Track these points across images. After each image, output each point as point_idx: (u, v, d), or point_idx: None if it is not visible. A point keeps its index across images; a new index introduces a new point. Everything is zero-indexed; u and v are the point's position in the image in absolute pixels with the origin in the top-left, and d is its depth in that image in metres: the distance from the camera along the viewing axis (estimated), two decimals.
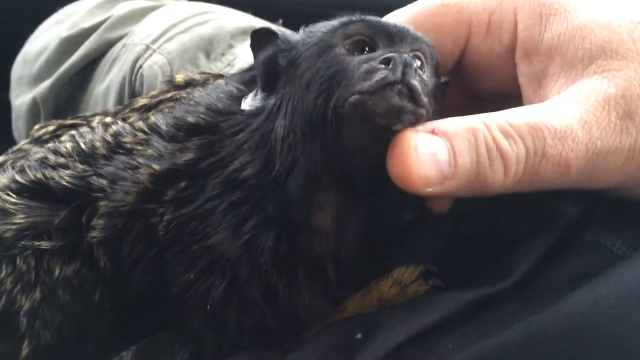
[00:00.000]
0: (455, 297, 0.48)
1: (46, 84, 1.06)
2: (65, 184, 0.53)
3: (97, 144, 0.56)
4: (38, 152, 0.59)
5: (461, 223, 0.56)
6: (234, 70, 0.90)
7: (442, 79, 0.53)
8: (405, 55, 0.44)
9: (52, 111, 1.07)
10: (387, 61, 0.43)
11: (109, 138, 0.55)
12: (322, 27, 0.49)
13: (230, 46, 0.95)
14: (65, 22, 1.15)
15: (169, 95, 0.58)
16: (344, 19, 0.49)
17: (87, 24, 1.08)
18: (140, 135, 0.54)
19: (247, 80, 0.53)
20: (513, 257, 0.50)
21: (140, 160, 0.51)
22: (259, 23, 1.05)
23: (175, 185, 0.49)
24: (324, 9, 1.50)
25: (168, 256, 0.50)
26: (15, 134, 1.22)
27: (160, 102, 0.58)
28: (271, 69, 0.49)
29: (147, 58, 0.93)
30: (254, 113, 0.49)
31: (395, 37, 0.47)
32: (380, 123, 0.42)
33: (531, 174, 0.44)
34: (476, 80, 0.56)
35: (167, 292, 0.50)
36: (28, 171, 0.56)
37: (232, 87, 0.53)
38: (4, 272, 0.53)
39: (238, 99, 0.51)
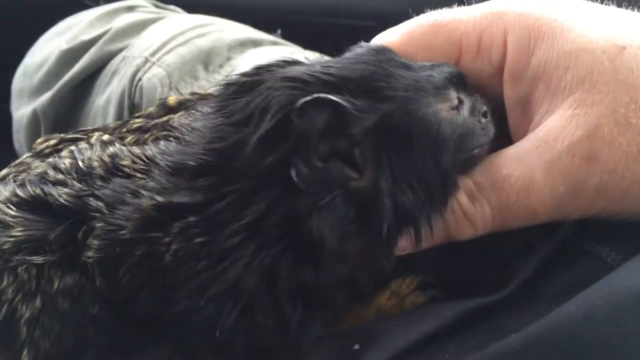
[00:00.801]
0: (453, 308, 0.49)
1: (46, 96, 1.07)
2: (62, 201, 0.54)
3: (95, 163, 0.55)
4: (39, 166, 0.59)
5: None
6: None
7: None
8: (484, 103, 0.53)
9: (53, 123, 1.07)
10: (485, 114, 0.52)
11: (107, 159, 0.55)
12: (405, 85, 0.48)
13: (229, 58, 0.96)
14: (65, 35, 1.15)
15: (164, 118, 0.57)
16: (436, 81, 0.50)
17: (87, 36, 1.08)
18: (139, 162, 0.53)
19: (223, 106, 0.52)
20: (511, 267, 0.50)
21: (143, 191, 0.50)
22: (258, 35, 1.06)
23: (184, 220, 0.48)
24: (322, 18, 1.51)
25: (172, 279, 0.49)
26: (16, 145, 1.22)
27: (154, 126, 0.57)
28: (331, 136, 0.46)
29: (146, 71, 0.94)
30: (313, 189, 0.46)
31: (465, 82, 0.53)
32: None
33: (501, 224, 0.48)
34: None
35: (168, 311, 0.50)
36: (28, 186, 0.56)
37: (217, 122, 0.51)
38: (5, 282, 0.54)
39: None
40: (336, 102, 0.44)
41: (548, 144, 0.46)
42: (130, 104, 0.93)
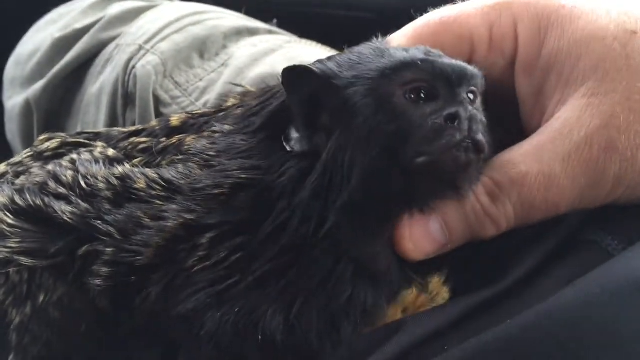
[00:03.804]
0: (458, 304, 0.50)
1: (39, 85, 1.05)
2: (67, 219, 0.52)
3: (101, 185, 0.53)
4: (38, 174, 0.57)
5: None
6: (228, 70, 0.90)
7: None
8: (470, 108, 0.45)
9: (46, 113, 1.06)
10: (452, 118, 0.44)
11: (115, 181, 0.53)
12: (371, 67, 0.47)
13: (224, 46, 0.95)
14: (58, 23, 1.14)
15: (173, 140, 0.55)
16: (397, 61, 0.47)
17: (80, 24, 1.07)
18: (157, 187, 0.51)
19: (241, 122, 0.52)
20: (516, 257, 0.51)
21: (166, 214, 0.49)
22: (253, 23, 1.05)
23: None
24: (319, 9, 1.51)
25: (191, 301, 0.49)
26: (9, 135, 1.21)
27: (166, 149, 0.55)
28: (312, 109, 0.47)
29: (140, 58, 0.92)
30: (301, 155, 0.48)
31: (454, 80, 0.46)
32: (448, 181, 0.46)
33: (523, 220, 0.48)
34: None
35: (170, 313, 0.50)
36: (27, 194, 0.54)
37: (237, 139, 0.51)
38: None
39: (259, 149, 0.50)
40: (309, 69, 0.46)
41: (565, 135, 0.46)
42: (124, 92, 0.92)
